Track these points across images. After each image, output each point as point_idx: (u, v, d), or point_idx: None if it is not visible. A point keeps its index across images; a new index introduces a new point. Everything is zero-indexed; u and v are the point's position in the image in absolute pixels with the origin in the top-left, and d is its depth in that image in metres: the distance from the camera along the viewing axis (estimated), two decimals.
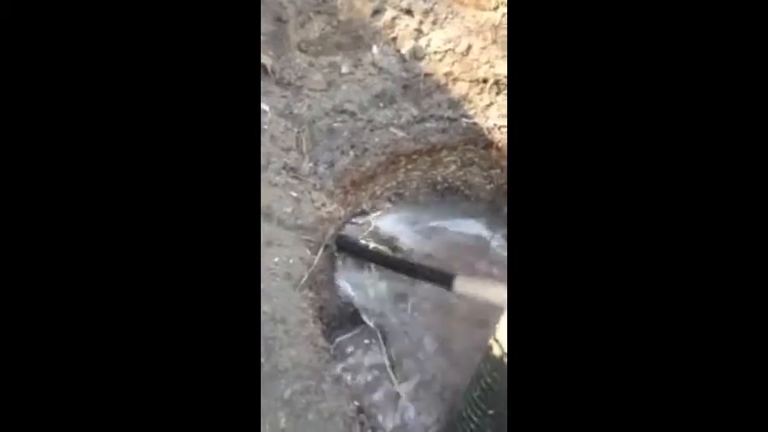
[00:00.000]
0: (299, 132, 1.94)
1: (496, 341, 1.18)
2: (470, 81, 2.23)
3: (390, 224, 2.07)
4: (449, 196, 2.32)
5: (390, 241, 2.00)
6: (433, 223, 2.23)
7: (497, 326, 1.19)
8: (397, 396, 1.58)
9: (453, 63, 2.23)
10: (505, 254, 2.27)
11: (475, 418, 1.26)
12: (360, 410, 1.47)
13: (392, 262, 1.78)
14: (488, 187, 2.39)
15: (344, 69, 2.12)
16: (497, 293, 1.29)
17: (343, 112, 2.08)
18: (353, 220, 2.02)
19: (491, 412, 1.22)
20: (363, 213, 2.11)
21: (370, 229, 2.01)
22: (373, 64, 2.19)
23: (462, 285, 1.43)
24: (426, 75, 2.24)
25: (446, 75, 2.25)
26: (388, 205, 2.18)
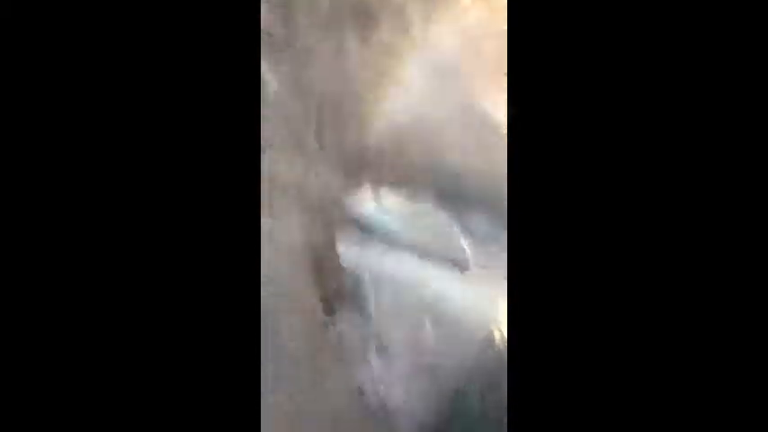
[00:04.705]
0: (305, 108, 1.93)
1: (498, 330, 1.20)
2: None
3: (390, 204, 2.08)
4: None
5: (388, 222, 2.01)
6: (431, 204, 2.24)
7: (497, 316, 1.21)
8: (394, 374, 1.61)
9: None
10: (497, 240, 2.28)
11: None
12: (360, 388, 1.50)
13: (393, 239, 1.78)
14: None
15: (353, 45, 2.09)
16: None
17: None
18: (355, 195, 2.03)
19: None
20: (366, 190, 2.12)
21: (370, 207, 2.01)
22: (382, 41, 2.17)
23: None
24: None
25: None
26: (391, 182, 2.18)
